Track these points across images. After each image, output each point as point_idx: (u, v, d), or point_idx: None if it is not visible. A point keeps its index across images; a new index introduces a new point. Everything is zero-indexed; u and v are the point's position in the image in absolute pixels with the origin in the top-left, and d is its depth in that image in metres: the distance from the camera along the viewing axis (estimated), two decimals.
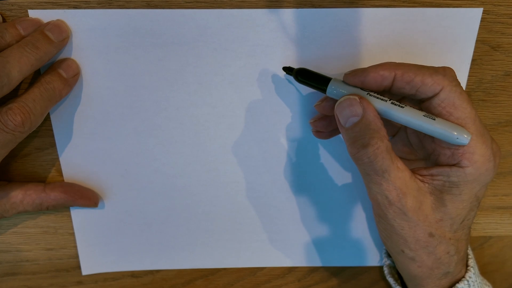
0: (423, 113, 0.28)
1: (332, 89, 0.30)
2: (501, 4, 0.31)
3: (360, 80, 0.29)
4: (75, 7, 0.30)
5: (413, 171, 0.29)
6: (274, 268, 0.42)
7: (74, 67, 0.32)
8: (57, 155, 0.35)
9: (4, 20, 0.30)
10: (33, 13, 0.30)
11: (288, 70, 0.32)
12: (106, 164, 0.36)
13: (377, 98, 0.28)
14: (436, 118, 0.28)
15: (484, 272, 0.44)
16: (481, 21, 0.32)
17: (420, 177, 0.29)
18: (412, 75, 0.28)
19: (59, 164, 0.36)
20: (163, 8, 0.31)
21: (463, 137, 0.27)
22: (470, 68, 0.33)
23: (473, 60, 0.33)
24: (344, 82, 0.30)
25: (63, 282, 0.41)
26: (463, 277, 0.32)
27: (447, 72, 0.28)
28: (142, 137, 0.35)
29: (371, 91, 0.29)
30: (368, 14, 0.31)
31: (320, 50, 0.32)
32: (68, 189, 0.35)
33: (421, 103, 0.29)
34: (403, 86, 0.28)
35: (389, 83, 0.28)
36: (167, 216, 0.38)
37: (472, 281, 0.32)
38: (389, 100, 0.28)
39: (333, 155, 0.36)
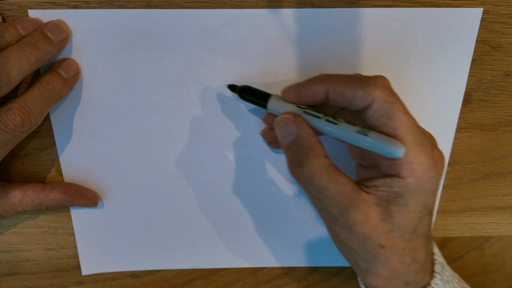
0: (357, 128, 0.27)
1: (271, 106, 0.30)
2: (501, 4, 0.31)
3: (295, 96, 0.29)
4: (75, 7, 0.30)
5: (359, 183, 0.29)
6: (274, 268, 0.42)
7: (74, 67, 0.32)
8: (57, 155, 0.35)
9: (4, 20, 0.30)
10: (33, 13, 0.30)
11: (232, 88, 0.32)
12: (106, 164, 0.36)
13: (312, 115, 0.28)
14: (369, 134, 0.27)
15: (484, 272, 0.44)
16: (481, 21, 0.32)
17: (366, 189, 0.28)
18: (343, 87, 0.27)
19: (59, 164, 0.36)
20: (163, 8, 0.31)
21: (397, 151, 0.26)
22: (470, 68, 0.33)
23: (473, 60, 0.33)
24: (283, 98, 0.30)
25: (63, 282, 0.41)
26: (428, 284, 0.31)
27: (378, 82, 0.27)
28: (142, 137, 0.35)
29: (308, 107, 0.29)
30: (368, 14, 0.31)
31: (320, 50, 0.32)
32: (67, 189, 0.35)
33: (359, 114, 0.29)
34: (336, 98, 0.28)
35: (323, 97, 0.28)
36: (167, 216, 0.38)
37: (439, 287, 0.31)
38: (324, 117, 0.28)
39: (333, 156, 0.36)
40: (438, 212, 0.40)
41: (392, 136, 0.27)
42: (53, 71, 0.31)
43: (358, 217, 0.28)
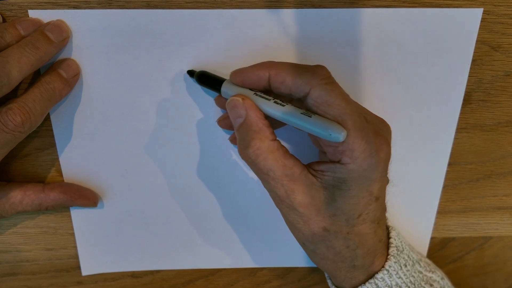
0: (302, 110, 0.28)
1: (225, 90, 0.30)
2: (501, 4, 0.31)
3: (240, 80, 0.29)
4: (75, 7, 0.30)
5: (308, 166, 0.29)
6: (274, 268, 0.42)
7: (74, 67, 0.32)
8: (57, 155, 0.35)
9: (4, 20, 0.30)
10: (33, 13, 0.30)
11: (190, 73, 0.32)
12: (106, 164, 0.36)
13: (262, 97, 0.29)
14: (312, 116, 0.27)
15: (485, 272, 0.44)
16: (481, 21, 0.32)
17: (314, 172, 0.29)
18: (284, 75, 0.28)
19: (59, 164, 0.36)
20: (163, 8, 0.31)
21: (336, 135, 0.26)
22: (470, 68, 0.33)
23: (473, 60, 0.33)
24: (231, 82, 0.30)
25: (63, 282, 0.41)
26: (383, 267, 0.32)
27: (317, 71, 0.28)
28: (142, 137, 0.35)
29: (258, 91, 0.29)
30: (368, 14, 0.31)
31: (320, 50, 0.32)
32: (67, 189, 0.35)
33: (303, 104, 0.29)
34: (278, 86, 0.28)
35: (266, 83, 0.29)
36: (167, 216, 0.38)
37: (393, 270, 0.32)
38: (273, 99, 0.28)
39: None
40: (438, 212, 0.40)
41: None
42: (53, 71, 0.31)
43: (303, 199, 0.28)
